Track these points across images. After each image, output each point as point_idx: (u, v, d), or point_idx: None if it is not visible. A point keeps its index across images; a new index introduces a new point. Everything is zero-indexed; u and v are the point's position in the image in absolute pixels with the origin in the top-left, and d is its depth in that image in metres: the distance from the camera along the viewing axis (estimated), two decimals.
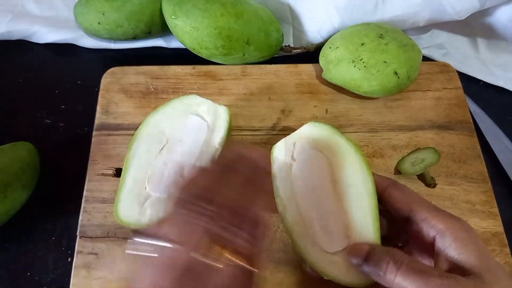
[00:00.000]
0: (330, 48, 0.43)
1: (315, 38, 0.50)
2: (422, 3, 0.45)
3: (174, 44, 0.52)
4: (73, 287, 0.35)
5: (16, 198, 0.39)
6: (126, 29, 0.48)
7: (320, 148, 0.33)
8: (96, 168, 0.40)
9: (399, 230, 0.32)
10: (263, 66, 0.47)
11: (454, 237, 0.25)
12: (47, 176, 0.43)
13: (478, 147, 0.42)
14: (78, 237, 0.37)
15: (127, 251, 0.23)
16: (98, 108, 0.43)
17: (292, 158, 0.34)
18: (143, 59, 0.51)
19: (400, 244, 0.32)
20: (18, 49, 0.51)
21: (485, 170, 0.41)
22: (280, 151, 0.34)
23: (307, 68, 0.47)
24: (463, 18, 0.46)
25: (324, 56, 0.44)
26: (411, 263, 0.24)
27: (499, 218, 0.39)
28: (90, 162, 0.40)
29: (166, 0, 0.44)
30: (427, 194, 0.40)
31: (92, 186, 0.39)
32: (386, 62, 0.40)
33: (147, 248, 0.22)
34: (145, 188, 0.35)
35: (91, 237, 0.37)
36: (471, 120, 0.44)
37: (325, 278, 0.30)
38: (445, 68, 0.47)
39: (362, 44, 0.41)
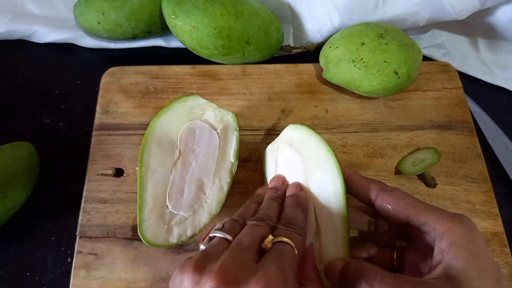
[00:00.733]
0: (330, 47, 0.43)
1: (315, 38, 0.49)
2: (422, 3, 0.44)
3: (174, 43, 0.51)
4: (73, 287, 0.35)
5: (16, 198, 0.39)
6: (126, 28, 0.48)
7: (297, 150, 0.34)
8: (95, 168, 0.40)
9: (399, 232, 0.31)
10: (263, 65, 0.47)
11: (451, 241, 0.25)
12: (47, 176, 0.43)
13: (478, 147, 0.42)
14: (77, 237, 0.37)
15: None
16: (98, 108, 0.43)
17: (276, 163, 0.36)
18: (142, 59, 0.51)
19: (398, 245, 0.31)
20: (18, 49, 0.51)
21: (485, 170, 0.41)
22: (268, 157, 0.37)
23: (307, 68, 0.47)
24: (464, 18, 0.46)
25: (324, 55, 0.44)
26: (384, 279, 0.24)
27: (499, 218, 0.38)
28: (89, 162, 0.40)
29: (166, 0, 0.44)
30: (428, 194, 0.40)
31: (92, 186, 0.39)
32: (386, 61, 0.40)
33: None
34: (167, 207, 0.34)
35: (90, 237, 0.37)
36: (471, 120, 0.44)
37: None
38: (445, 68, 0.47)
39: (362, 43, 0.41)
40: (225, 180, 0.36)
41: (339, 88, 0.45)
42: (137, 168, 0.36)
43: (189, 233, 0.34)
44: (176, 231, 0.34)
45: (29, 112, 0.47)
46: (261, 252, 0.25)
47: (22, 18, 0.50)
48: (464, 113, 0.44)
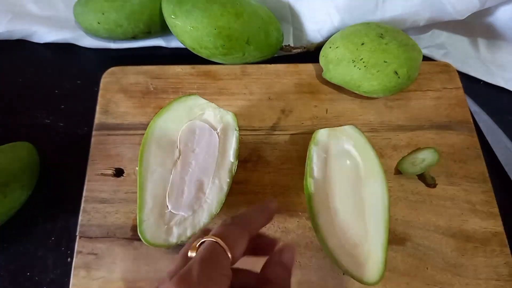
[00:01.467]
0: (330, 47, 0.43)
1: (315, 38, 0.49)
2: (422, 3, 0.44)
3: (174, 44, 0.51)
4: (73, 287, 0.35)
5: (16, 198, 0.39)
6: (126, 29, 0.48)
7: (354, 154, 0.37)
8: (95, 168, 0.40)
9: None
10: (263, 65, 0.47)
11: None
12: (47, 176, 0.43)
13: (478, 147, 0.42)
14: (77, 237, 0.37)
15: None
16: (98, 108, 0.43)
17: (330, 148, 0.37)
18: (142, 59, 0.51)
19: None
20: (18, 49, 0.51)
21: (485, 170, 0.41)
22: (323, 138, 0.37)
23: (307, 68, 0.47)
24: (464, 18, 0.46)
25: (324, 55, 0.44)
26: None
27: (499, 218, 0.38)
28: (89, 162, 0.40)
29: (166, 0, 0.44)
30: (428, 194, 0.40)
31: (92, 186, 0.39)
32: (386, 61, 0.40)
33: None
34: (167, 207, 0.34)
35: (90, 237, 0.37)
36: (471, 120, 0.44)
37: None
38: (445, 68, 0.47)
39: (362, 43, 0.41)
40: (225, 180, 0.36)
41: (339, 88, 0.45)
42: (137, 168, 0.36)
43: (189, 233, 0.34)
44: (176, 231, 0.34)
45: (29, 112, 0.47)
46: None
47: (22, 18, 0.50)
48: (464, 113, 0.44)
